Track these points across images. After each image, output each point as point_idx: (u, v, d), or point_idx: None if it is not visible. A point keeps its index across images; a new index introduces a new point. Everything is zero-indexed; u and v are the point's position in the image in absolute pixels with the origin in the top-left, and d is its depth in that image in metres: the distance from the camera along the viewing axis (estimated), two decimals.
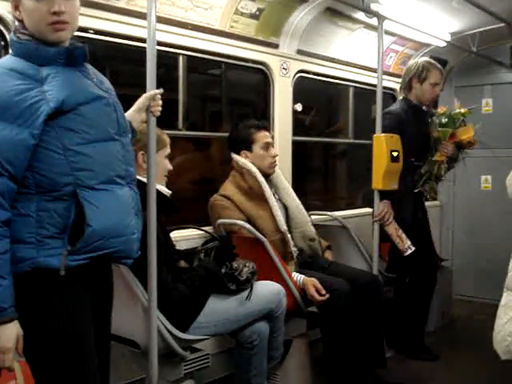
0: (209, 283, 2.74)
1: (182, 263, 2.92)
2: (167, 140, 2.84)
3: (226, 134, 3.73)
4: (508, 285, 2.37)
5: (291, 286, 3.13)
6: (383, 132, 3.79)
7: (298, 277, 3.27)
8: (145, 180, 2.43)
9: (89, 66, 2.04)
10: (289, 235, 3.49)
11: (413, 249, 3.84)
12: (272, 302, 2.90)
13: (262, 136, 3.51)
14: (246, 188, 3.44)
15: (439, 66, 4.12)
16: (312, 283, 3.20)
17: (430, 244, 4.26)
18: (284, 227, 3.42)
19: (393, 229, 3.85)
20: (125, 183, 1.98)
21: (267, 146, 3.52)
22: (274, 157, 3.54)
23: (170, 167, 2.85)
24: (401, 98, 4.24)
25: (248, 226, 3.18)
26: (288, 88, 4.16)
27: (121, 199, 1.95)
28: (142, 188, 2.32)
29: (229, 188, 3.47)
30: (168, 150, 2.83)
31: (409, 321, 4.19)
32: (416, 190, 4.01)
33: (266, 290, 2.91)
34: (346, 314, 3.23)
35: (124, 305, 2.59)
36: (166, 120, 3.41)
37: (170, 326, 2.52)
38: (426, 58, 4.23)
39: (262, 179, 3.44)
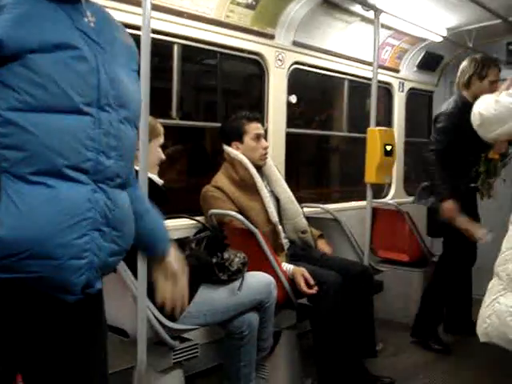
0: (199, 272, 2.73)
1: None
2: (161, 129, 2.83)
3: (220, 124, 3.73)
4: (495, 269, 2.38)
5: (282, 278, 3.13)
6: (437, 134, 3.80)
7: (287, 266, 3.27)
8: (137, 168, 2.41)
9: (92, 6, 1.52)
10: (280, 227, 3.49)
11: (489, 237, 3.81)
12: (262, 293, 2.90)
13: (253, 127, 3.51)
14: (238, 179, 3.44)
15: (497, 62, 4.07)
16: (301, 273, 3.20)
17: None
18: (275, 219, 3.43)
19: (464, 221, 3.83)
20: (88, 181, 1.36)
21: (258, 137, 3.51)
22: (265, 148, 3.54)
23: (163, 157, 2.85)
24: (455, 96, 4.10)
25: (240, 216, 3.18)
26: (283, 79, 4.15)
27: (64, 202, 1.31)
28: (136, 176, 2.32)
29: (220, 179, 3.46)
30: (161, 140, 2.82)
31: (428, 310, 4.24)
32: (473, 185, 4.00)
33: (257, 280, 2.92)
34: (337, 307, 3.23)
35: (113, 293, 2.58)
36: (160, 109, 3.41)
37: (159, 315, 2.51)
38: (482, 55, 4.15)
39: (253, 170, 3.44)
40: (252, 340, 2.91)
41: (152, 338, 2.50)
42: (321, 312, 3.24)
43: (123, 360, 3.08)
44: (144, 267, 2.31)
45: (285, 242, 3.53)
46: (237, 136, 3.50)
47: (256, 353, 2.98)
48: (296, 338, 3.49)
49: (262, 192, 3.44)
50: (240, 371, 2.94)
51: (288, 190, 3.67)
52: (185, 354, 2.69)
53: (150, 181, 2.46)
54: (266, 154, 3.55)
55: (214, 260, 2.80)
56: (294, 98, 4.20)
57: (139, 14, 2.34)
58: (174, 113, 3.48)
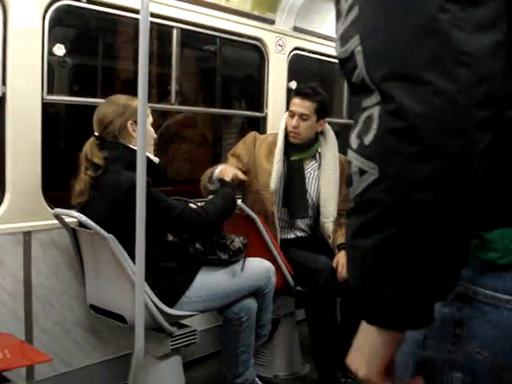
0: (199, 254, 2.74)
1: (170, 237, 2.89)
2: (148, 109, 2.80)
3: (219, 110, 3.70)
4: None
5: (281, 264, 3.11)
6: None
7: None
8: (135, 147, 2.41)
9: None
10: (274, 196, 3.34)
11: None
12: (261, 279, 2.89)
13: (292, 103, 3.39)
14: (272, 141, 3.40)
15: None
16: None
17: None
18: (274, 185, 3.30)
19: None
20: None
21: (292, 114, 3.35)
22: (293, 127, 3.34)
23: (155, 135, 2.85)
24: None
25: (239, 202, 3.14)
26: (283, 65, 4.11)
27: None
28: (134, 156, 2.31)
29: (267, 135, 3.56)
30: (151, 119, 2.81)
31: None
32: None
33: (256, 266, 2.90)
34: (329, 292, 3.16)
35: (112, 278, 2.58)
36: (159, 94, 3.38)
37: (157, 301, 2.50)
38: None
39: (280, 142, 3.36)
40: (250, 326, 2.90)
41: (150, 324, 2.49)
42: (313, 298, 3.19)
43: (122, 346, 3.09)
44: (142, 251, 2.29)
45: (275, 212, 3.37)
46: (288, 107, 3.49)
47: (254, 339, 2.97)
48: (295, 324, 3.49)
49: (275, 159, 3.32)
50: (238, 357, 2.93)
51: (333, 189, 3.45)
52: (183, 340, 2.69)
53: (148, 159, 2.43)
54: (292, 132, 3.35)
55: (215, 238, 2.78)
56: (294, 84, 4.15)
57: None
58: (172, 98, 3.45)
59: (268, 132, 3.88)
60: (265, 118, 4.01)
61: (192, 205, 2.86)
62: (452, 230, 0.81)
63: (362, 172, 0.82)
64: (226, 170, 3.11)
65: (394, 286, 0.83)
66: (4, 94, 2.63)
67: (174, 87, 3.43)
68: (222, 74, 4.11)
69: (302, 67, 4.25)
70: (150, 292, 2.47)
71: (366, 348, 0.92)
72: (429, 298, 0.86)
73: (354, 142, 0.84)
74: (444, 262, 0.83)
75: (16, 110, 2.66)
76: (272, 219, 3.28)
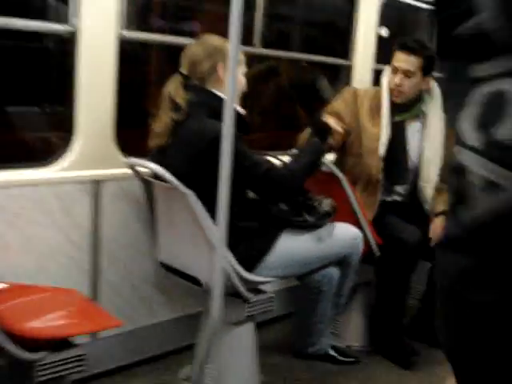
0: (283, 215, 2.49)
1: (251, 193, 2.63)
2: (242, 57, 2.51)
3: (301, 55, 3.39)
4: None
5: (366, 231, 2.83)
6: None
7: None
8: (223, 95, 2.16)
9: None
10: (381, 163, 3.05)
11: None
12: (348, 247, 2.63)
13: (395, 58, 3.04)
14: (376, 101, 3.08)
15: None
16: None
17: None
18: (382, 152, 3.01)
19: None
20: None
21: (395, 70, 3.03)
22: (396, 85, 3.03)
23: (245, 88, 2.55)
24: None
25: (327, 161, 2.82)
26: (374, 10, 3.73)
27: None
28: (219, 103, 2.08)
29: (368, 90, 3.20)
30: (244, 68, 2.52)
31: None
32: None
33: (343, 233, 2.62)
34: (407, 264, 2.96)
35: (187, 237, 2.38)
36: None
37: (237, 266, 2.28)
38: None
39: (384, 101, 3.05)
40: (329, 295, 2.71)
41: (227, 289, 2.27)
42: (389, 267, 2.98)
43: (189, 305, 2.92)
44: (225, 212, 2.05)
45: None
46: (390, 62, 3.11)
47: (332, 309, 2.76)
48: (372, 293, 3.25)
49: (384, 120, 3.04)
50: (312, 327, 2.79)
51: (437, 152, 3.11)
52: (259, 306, 2.48)
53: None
54: (395, 90, 3.05)
55: (300, 199, 2.52)
56: (385, 31, 3.76)
57: None
58: (256, 40, 3.14)
59: (354, 83, 3.55)
60: (351, 67, 3.66)
61: (275, 160, 2.61)
62: None
63: (490, 185, 0.56)
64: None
65: None
66: (77, 29, 2.38)
67: (258, 29, 3.13)
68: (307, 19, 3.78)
69: (393, 12, 3.86)
70: (230, 256, 2.24)
71: None
72: None
73: (472, 135, 0.56)
74: None
75: (90, 46, 2.42)
76: (376, 186, 3.04)
